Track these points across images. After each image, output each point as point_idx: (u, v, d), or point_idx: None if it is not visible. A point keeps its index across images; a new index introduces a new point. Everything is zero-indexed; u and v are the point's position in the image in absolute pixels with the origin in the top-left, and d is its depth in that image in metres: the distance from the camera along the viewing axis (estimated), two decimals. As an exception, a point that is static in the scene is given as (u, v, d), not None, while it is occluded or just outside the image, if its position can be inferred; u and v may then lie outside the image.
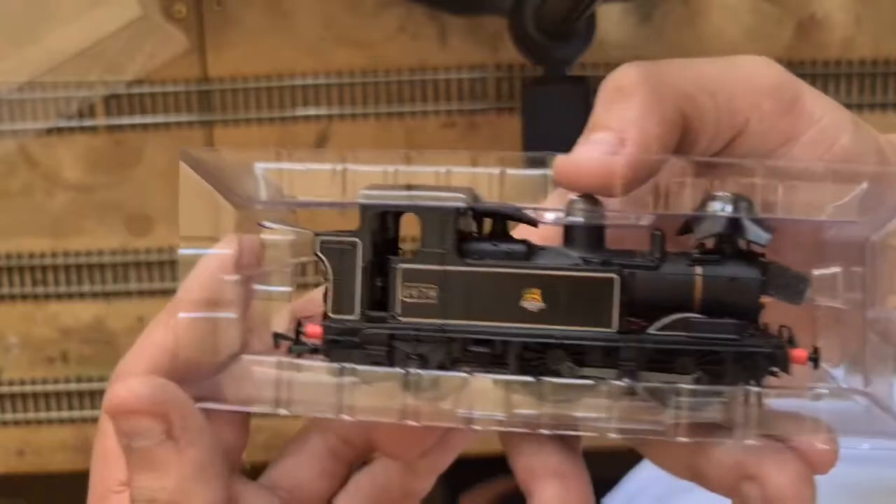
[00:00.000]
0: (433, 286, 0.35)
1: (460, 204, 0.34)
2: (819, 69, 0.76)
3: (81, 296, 0.80)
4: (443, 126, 0.78)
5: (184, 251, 0.37)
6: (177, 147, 0.83)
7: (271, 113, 0.78)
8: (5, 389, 0.81)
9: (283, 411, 0.36)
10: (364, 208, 0.35)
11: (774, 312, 0.36)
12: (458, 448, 0.39)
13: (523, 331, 0.35)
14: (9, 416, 0.81)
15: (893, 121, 0.77)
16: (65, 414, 0.81)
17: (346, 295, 0.35)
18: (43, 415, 0.81)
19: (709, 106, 0.35)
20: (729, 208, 0.34)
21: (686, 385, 0.34)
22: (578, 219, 0.35)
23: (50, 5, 0.76)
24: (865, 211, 0.34)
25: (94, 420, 0.81)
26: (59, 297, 0.80)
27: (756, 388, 0.34)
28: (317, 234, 0.36)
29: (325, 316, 0.36)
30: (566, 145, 0.76)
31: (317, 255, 0.36)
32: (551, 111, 0.72)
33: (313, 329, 0.36)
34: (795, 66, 0.77)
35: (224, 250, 0.37)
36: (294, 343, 0.37)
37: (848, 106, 0.82)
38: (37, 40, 0.77)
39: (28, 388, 0.81)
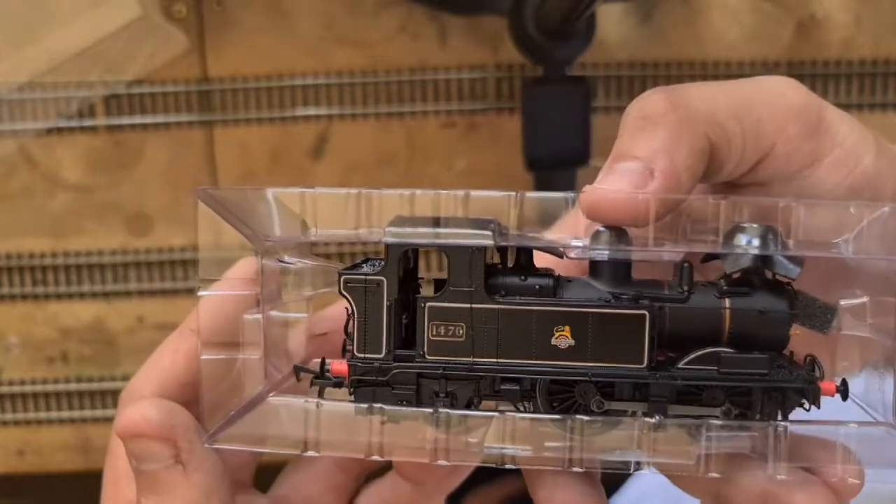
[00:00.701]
0: (461, 324, 0.34)
1: (488, 242, 0.34)
2: (819, 69, 0.76)
3: (81, 296, 0.80)
4: (443, 126, 0.78)
5: (204, 293, 0.37)
6: (177, 147, 0.83)
7: (271, 113, 0.78)
8: (5, 389, 0.81)
9: (311, 453, 0.36)
10: (390, 247, 0.34)
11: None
12: (468, 471, 0.39)
13: (553, 368, 0.34)
14: (9, 416, 0.81)
15: (893, 121, 0.77)
16: (65, 414, 0.81)
17: (372, 334, 0.34)
18: (43, 415, 0.81)
19: (736, 132, 0.35)
20: (756, 242, 0.33)
21: (715, 421, 0.34)
22: (605, 253, 0.34)
23: (50, 5, 0.76)
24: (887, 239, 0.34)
25: (94, 420, 0.81)
26: (59, 297, 0.80)
27: (785, 423, 0.34)
28: (340, 273, 0.35)
29: (351, 354, 0.35)
30: (566, 145, 0.77)
31: (341, 293, 0.35)
32: (551, 111, 0.72)
33: (339, 367, 0.35)
34: (795, 66, 0.76)
35: (245, 291, 0.37)
36: (315, 377, 0.36)
37: (848, 106, 0.82)
38: (37, 40, 0.77)
39: (28, 388, 0.81)
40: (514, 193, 0.35)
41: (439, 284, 0.35)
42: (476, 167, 0.79)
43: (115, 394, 0.81)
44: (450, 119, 0.78)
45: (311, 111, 0.78)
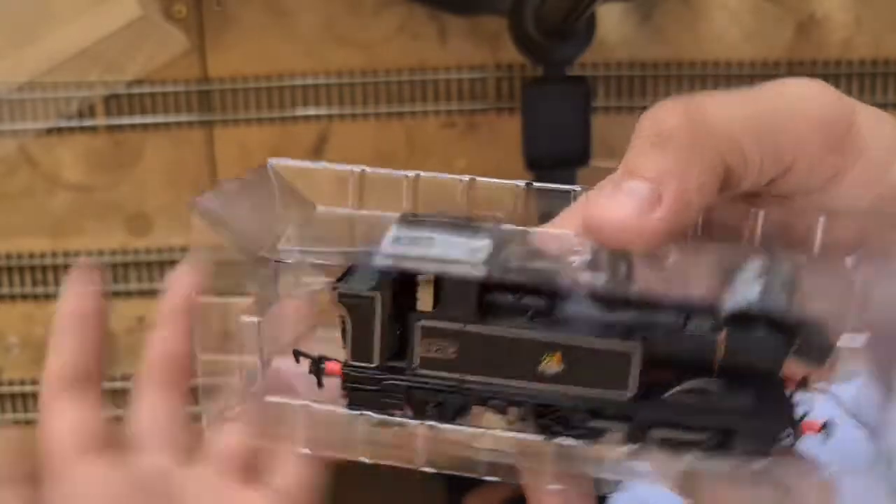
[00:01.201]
0: (452, 343, 0.34)
1: (479, 275, 0.33)
2: (819, 69, 0.76)
3: (81, 296, 0.80)
4: (443, 126, 0.78)
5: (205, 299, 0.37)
6: (177, 147, 0.83)
7: (271, 113, 0.78)
8: (5, 389, 0.81)
9: (305, 451, 0.36)
10: (382, 271, 0.34)
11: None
12: None
13: (540, 391, 0.34)
14: (9, 416, 0.81)
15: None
16: (65, 414, 0.81)
17: (365, 345, 0.35)
18: (43, 415, 0.81)
19: (754, 151, 0.33)
20: (757, 289, 0.32)
21: (696, 451, 0.34)
22: (601, 280, 0.33)
23: (50, 5, 0.76)
24: None
25: (94, 420, 0.81)
26: (59, 297, 0.80)
27: (766, 459, 0.34)
28: (334, 286, 0.35)
29: (345, 361, 0.35)
30: (566, 145, 0.76)
31: (335, 304, 0.35)
32: (551, 111, 0.72)
33: (333, 367, 0.35)
34: (795, 66, 0.76)
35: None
36: (313, 365, 0.36)
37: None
38: (37, 40, 0.77)
39: (28, 388, 0.81)
40: (521, 184, 0.34)
41: (440, 283, 0.35)
42: (476, 167, 0.79)
43: (116, 394, 0.81)
44: (450, 119, 0.78)
45: (311, 111, 0.78)
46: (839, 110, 0.34)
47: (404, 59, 0.78)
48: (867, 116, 0.35)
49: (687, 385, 0.34)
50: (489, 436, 0.35)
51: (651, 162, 0.32)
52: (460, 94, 0.78)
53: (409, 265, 0.33)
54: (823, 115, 0.34)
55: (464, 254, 0.33)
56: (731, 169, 0.33)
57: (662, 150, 0.32)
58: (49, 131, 0.78)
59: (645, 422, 0.34)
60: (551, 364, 0.34)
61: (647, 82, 0.77)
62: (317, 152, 0.79)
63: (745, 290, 0.33)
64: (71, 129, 0.78)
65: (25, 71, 0.77)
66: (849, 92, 0.77)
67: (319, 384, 0.36)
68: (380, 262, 0.33)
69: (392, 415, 0.35)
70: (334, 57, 0.78)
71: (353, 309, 0.34)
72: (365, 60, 0.78)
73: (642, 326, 0.33)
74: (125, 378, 0.82)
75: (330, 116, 0.78)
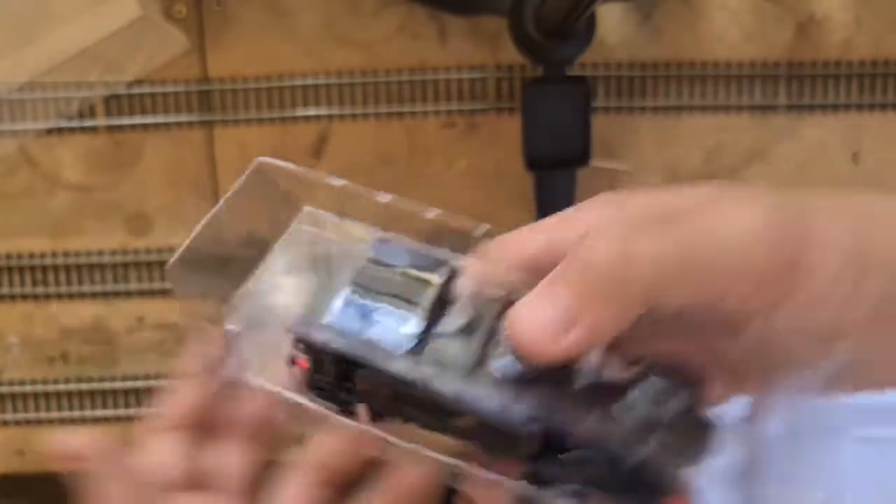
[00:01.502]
0: (385, 389, 0.38)
1: (401, 368, 0.37)
2: (819, 69, 0.76)
3: (81, 296, 0.80)
4: (443, 126, 0.79)
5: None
6: (177, 147, 0.83)
7: (271, 113, 0.78)
8: (5, 389, 0.81)
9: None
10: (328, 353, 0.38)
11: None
12: None
13: (455, 432, 0.38)
14: (9, 416, 0.81)
15: (893, 121, 0.77)
16: (65, 414, 0.81)
17: (320, 369, 0.39)
18: (43, 415, 0.81)
19: (679, 291, 0.33)
20: (643, 410, 0.35)
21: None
22: (516, 367, 0.36)
23: (50, 5, 0.76)
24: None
25: (94, 420, 0.81)
26: (59, 297, 0.80)
27: None
28: (292, 331, 0.39)
29: (309, 374, 0.40)
30: (566, 145, 0.76)
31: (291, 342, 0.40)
32: (551, 111, 0.72)
33: (303, 364, 0.40)
34: (795, 66, 0.77)
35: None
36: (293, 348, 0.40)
37: (848, 106, 0.82)
38: (37, 40, 0.77)
39: (28, 388, 0.81)
40: (480, 231, 0.38)
41: None
42: (476, 167, 0.79)
43: (115, 394, 0.81)
44: (450, 119, 0.78)
45: (311, 111, 0.78)
46: (782, 254, 0.33)
47: (404, 59, 0.78)
48: (820, 250, 0.33)
49: (573, 454, 0.36)
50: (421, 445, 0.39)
51: (574, 284, 0.34)
52: (460, 94, 0.78)
53: (341, 346, 0.38)
54: (765, 262, 0.33)
55: (393, 339, 0.37)
56: (656, 305, 0.34)
57: (586, 281, 0.34)
58: (49, 131, 0.78)
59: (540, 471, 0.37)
60: (463, 420, 0.37)
61: (647, 82, 0.77)
62: (317, 152, 0.79)
63: (637, 408, 0.35)
64: (71, 129, 0.78)
65: (25, 71, 0.77)
66: (848, 92, 0.77)
67: (291, 365, 0.40)
68: (318, 337, 0.38)
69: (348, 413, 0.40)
70: (334, 57, 0.78)
71: (307, 350, 0.39)
72: (365, 60, 0.78)
73: (545, 412, 0.36)
74: (125, 378, 0.82)
75: (330, 116, 0.78)
